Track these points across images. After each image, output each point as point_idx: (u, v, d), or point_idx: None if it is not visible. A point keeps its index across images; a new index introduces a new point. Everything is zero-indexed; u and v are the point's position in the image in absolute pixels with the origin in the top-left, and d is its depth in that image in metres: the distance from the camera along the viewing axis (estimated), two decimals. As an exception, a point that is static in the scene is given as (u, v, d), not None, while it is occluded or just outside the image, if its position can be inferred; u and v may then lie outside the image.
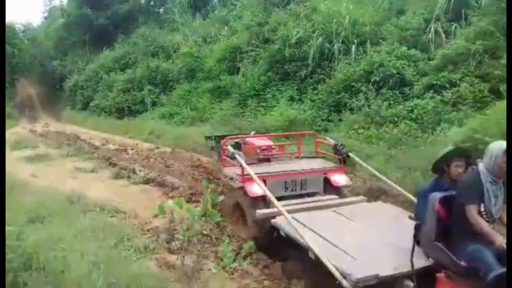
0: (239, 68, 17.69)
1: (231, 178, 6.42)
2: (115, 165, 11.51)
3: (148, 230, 6.43)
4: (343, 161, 6.53)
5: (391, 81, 11.54)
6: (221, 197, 6.15)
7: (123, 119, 21.33)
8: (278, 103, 14.25)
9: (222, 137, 7.77)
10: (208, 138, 8.84)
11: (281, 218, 5.05)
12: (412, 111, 10.43)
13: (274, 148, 7.63)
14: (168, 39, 24.25)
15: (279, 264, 5.32)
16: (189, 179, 9.59)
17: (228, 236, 6.13)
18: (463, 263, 3.53)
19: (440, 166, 4.18)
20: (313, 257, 4.20)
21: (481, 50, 10.23)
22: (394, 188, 6.35)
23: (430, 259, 3.90)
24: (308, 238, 4.35)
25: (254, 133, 8.65)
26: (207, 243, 5.87)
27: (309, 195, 6.30)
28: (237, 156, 6.07)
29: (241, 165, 5.89)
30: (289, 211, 5.05)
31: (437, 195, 3.81)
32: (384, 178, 6.50)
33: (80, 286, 3.89)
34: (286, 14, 17.19)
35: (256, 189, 5.67)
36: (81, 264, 4.20)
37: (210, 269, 5.00)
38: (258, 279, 5.03)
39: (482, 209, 3.62)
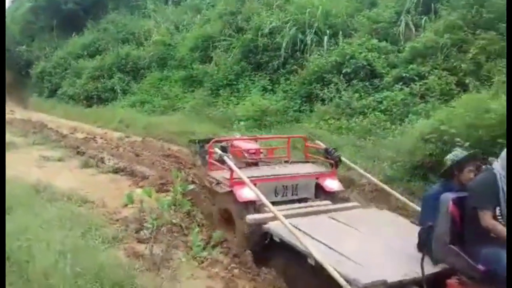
0: (211, 57, 17.54)
1: (219, 183, 6.02)
2: (83, 154, 11.25)
3: (117, 220, 6.34)
4: (336, 165, 6.29)
5: (361, 72, 11.71)
6: (192, 186, 6.07)
7: (92, 107, 20.82)
8: (251, 93, 14.24)
9: (207, 140, 7.38)
10: (192, 142, 8.34)
11: (275, 223, 4.91)
12: (381, 102, 10.63)
13: (262, 152, 7.34)
14: (139, 26, 23.72)
15: (249, 252, 5.35)
16: (160, 169, 9.49)
17: (198, 225, 6.13)
18: (480, 267, 3.32)
19: (452, 171, 4.04)
20: (313, 263, 4.04)
21: (449, 44, 10.49)
22: (389, 192, 6.20)
23: (440, 264, 3.72)
24: (308, 244, 4.19)
25: (239, 136, 8.28)
26: (176, 232, 5.84)
27: (300, 200, 6.06)
28: (226, 158, 5.79)
29: (230, 169, 5.60)
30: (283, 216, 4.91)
31: (449, 196, 3.63)
32: (376, 181, 6.48)
33: (46, 276, 3.82)
34: (259, 3, 17.13)
35: (247, 193, 5.39)
36: (47, 254, 4.12)
37: (179, 258, 4.98)
38: (228, 267, 5.06)
39: (498, 212, 3.39)
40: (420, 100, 9.93)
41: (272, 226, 4.93)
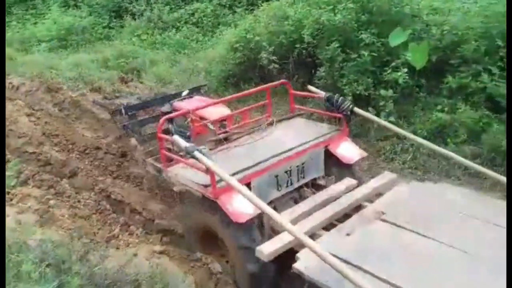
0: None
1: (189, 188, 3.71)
2: None
3: None
4: (346, 120, 4.27)
5: (170, -16, 11.32)
6: None
7: None
8: (50, 10, 12.58)
9: (141, 106, 5.32)
10: (115, 113, 5.28)
11: (306, 256, 2.89)
12: (193, 15, 10.58)
13: (234, 118, 4.91)
14: None
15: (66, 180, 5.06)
16: None
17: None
18: None
19: None
20: None
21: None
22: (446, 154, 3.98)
23: None
24: None
25: (188, 94, 5.27)
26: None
27: (309, 185, 4.20)
28: (201, 156, 3.31)
29: (209, 171, 3.33)
30: (312, 235, 3.24)
31: None
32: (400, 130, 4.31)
33: None
34: None
35: (244, 206, 3.34)
36: None
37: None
38: (42, 200, 4.74)
39: None
40: (229, 11, 10.17)
41: (304, 263, 2.85)
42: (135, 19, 11.14)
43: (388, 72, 5.89)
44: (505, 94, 5.11)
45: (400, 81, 5.74)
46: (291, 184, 3.97)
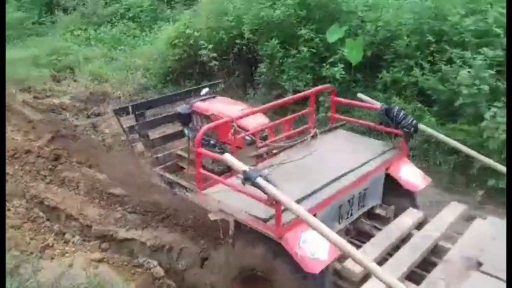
0: None
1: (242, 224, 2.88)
2: None
3: None
4: (406, 138, 3.65)
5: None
6: None
7: None
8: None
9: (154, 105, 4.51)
10: (119, 111, 4.16)
11: None
12: (129, 10, 10.23)
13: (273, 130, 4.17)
14: None
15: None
16: None
17: None
18: None
19: None
20: None
21: None
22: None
23: None
24: None
25: (208, 92, 4.43)
26: None
27: (369, 215, 3.58)
28: (264, 182, 2.52)
29: (275, 200, 2.53)
30: None
31: None
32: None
33: None
34: None
35: (316, 249, 2.62)
36: None
37: None
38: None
39: None
40: (167, 6, 9.94)
41: None
42: (67, 14, 10.61)
43: (327, 67, 5.99)
44: (435, 87, 5.36)
45: (338, 76, 5.86)
46: (351, 214, 3.34)
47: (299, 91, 6.02)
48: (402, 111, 3.56)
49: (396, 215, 3.43)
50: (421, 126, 3.59)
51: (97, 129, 6.32)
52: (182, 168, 3.84)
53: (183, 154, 3.87)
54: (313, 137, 3.79)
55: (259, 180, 2.50)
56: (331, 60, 6.05)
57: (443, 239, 3.10)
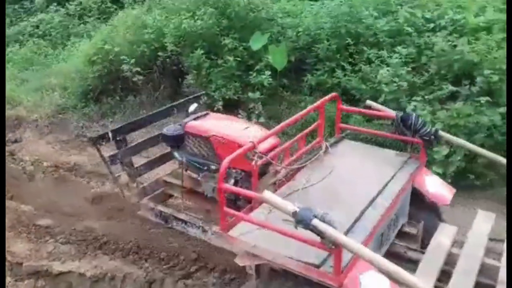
0: None
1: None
2: None
3: None
4: (426, 147, 3.41)
5: (7, -6, 10.15)
6: None
7: None
8: None
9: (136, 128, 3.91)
10: (98, 140, 3.56)
11: None
12: (37, 27, 9.62)
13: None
14: None
15: None
16: None
17: None
18: None
19: None
20: None
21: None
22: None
23: None
24: None
25: (196, 108, 3.83)
26: None
27: (398, 234, 3.28)
28: (322, 225, 2.11)
29: (336, 245, 2.15)
30: None
31: None
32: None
33: None
34: None
35: None
36: None
37: None
38: None
39: None
40: (79, 21, 9.46)
41: None
42: (-34, 35, 9.72)
43: (254, 75, 6.04)
44: (357, 87, 5.61)
45: (265, 83, 5.93)
46: (389, 239, 3.06)
47: (229, 99, 6.07)
48: (420, 118, 3.33)
49: (424, 230, 3.25)
50: (442, 132, 3.35)
51: (15, 157, 5.85)
52: (170, 196, 3.50)
53: (172, 181, 3.49)
54: (325, 151, 3.49)
55: (316, 223, 2.09)
56: (257, 67, 6.11)
57: (490, 258, 2.94)
